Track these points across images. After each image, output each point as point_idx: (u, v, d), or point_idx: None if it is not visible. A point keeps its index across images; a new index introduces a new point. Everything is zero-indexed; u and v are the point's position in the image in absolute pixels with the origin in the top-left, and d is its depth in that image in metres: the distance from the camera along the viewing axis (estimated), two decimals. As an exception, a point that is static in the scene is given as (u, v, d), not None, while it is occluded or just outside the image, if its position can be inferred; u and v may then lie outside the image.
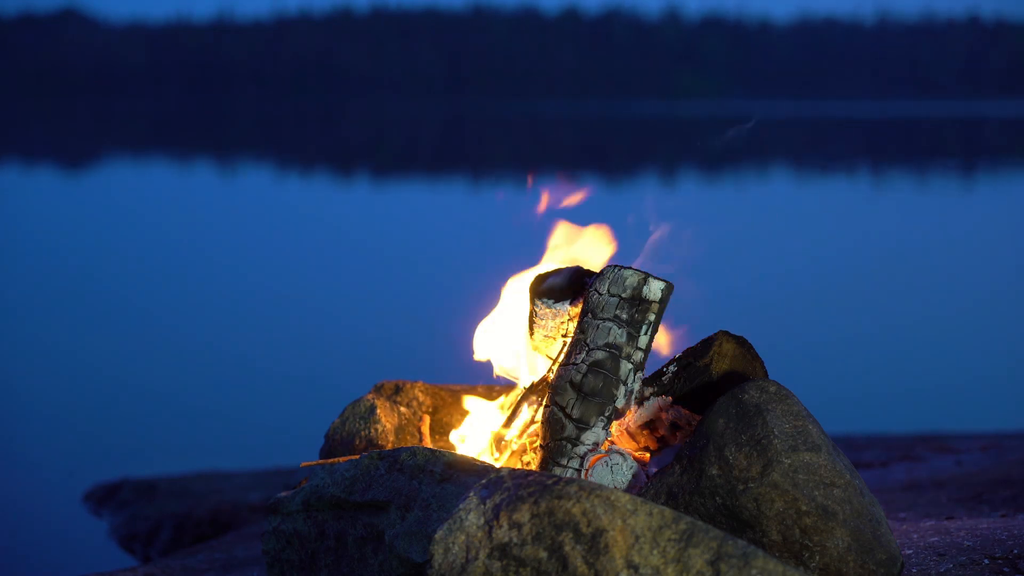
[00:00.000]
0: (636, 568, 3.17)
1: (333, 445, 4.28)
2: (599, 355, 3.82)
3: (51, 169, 36.66)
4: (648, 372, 3.97)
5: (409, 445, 4.15)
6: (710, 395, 3.90)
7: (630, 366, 3.82)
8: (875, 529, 3.64)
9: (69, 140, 54.45)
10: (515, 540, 3.25)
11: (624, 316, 3.82)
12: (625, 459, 3.83)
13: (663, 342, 4.07)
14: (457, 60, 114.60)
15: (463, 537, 3.29)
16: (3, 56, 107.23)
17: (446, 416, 4.41)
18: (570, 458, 3.81)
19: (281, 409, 9.83)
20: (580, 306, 3.96)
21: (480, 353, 4.32)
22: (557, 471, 3.81)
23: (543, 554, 3.22)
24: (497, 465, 3.99)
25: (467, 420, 4.34)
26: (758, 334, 4.13)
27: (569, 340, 3.98)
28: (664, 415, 3.93)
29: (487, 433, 4.21)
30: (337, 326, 13.31)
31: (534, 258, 4.30)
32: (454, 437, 4.28)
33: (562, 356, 3.96)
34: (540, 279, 4.08)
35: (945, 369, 11.57)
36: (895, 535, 4.23)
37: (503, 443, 4.10)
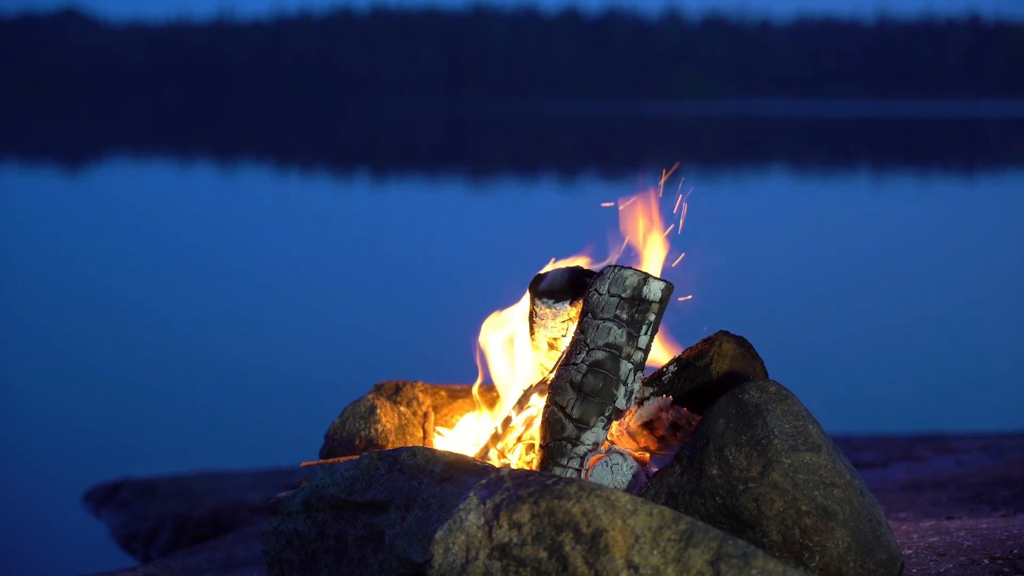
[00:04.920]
0: (636, 568, 3.17)
1: (333, 445, 4.28)
2: (599, 355, 3.82)
3: (51, 169, 36.66)
4: (648, 372, 3.97)
5: (409, 445, 4.15)
6: (710, 395, 3.90)
7: (630, 366, 3.82)
8: (875, 529, 3.64)
9: (69, 140, 54.46)
10: (515, 540, 3.25)
11: (624, 316, 3.82)
12: (625, 459, 3.83)
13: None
14: (457, 60, 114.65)
15: (463, 537, 3.29)
16: (3, 56, 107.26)
17: (446, 416, 4.41)
18: (570, 458, 3.81)
19: (281, 409, 9.83)
20: (580, 306, 3.96)
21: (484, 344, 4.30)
22: (557, 471, 3.81)
23: (543, 554, 3.23)
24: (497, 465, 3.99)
25: (463, 421, 4.34)
26: (758, 334, 4.13)
27: (569, 340, 3.98)
28: (664, 415, 3.93)
29: (485, 433, 4.21)
30: (337, 326, 13.32)
31: (533, 257, 4.29)
32: (447, 440, 4.28)
33: (562, 356, 3.95)
34: (540, 279, 4.08)
35: (945, 369, 11.57)
36: (895, 535, 4.23)
37: (500, 443, 4.09)
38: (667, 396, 3.94)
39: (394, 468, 3.74)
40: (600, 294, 3.85)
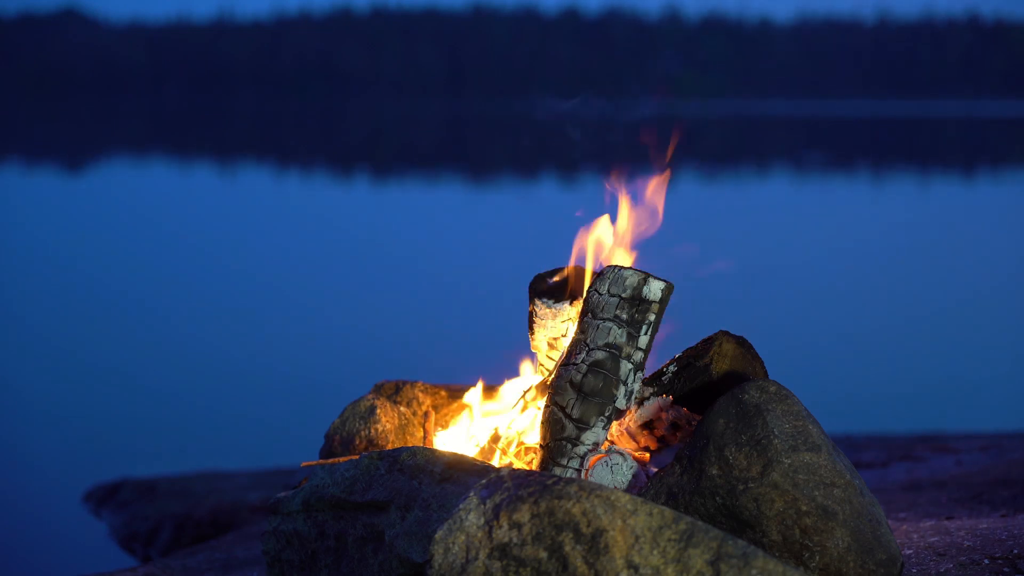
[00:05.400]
0: (636, 568, 3.17)
1: (333, 445, 4.28)
2: (599, 355, 3.81)
3: (51, 169, 36.66)
4: (648, 372, 3.97)
5: (409, 445, 4.15)
6: (710, 395, 3.90)
7: (630, 366, 3.82)
8: (875, 529, 3.63)
9: (69, 140, 54.46)
10: (515, 540, 3.25)
11: (624, 316, 3.82)
12: (625, 459, 3.83)
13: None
14: (457, 60, 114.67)
15: (463, 537, 3.29)
16: (3, 56, 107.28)
17: (446, 416, 4.40)
18: (570, 458, 3.81)
19: (281, 409, 9.83)
20: (580, 306, 3.96)
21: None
22: (557, 471, 3.81)
23: (543, 554, 3.22)
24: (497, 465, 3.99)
25: (462, 420, 4.34)
26: (758, 334, 4.13)
27: (569, 340, 3.98)
28: (664, 415, 3.93)
29: (484, 434, 4.21)
30: (337, 326, 13.31)
31: (531, 257, 4.29)
32: (448, 437, 4.28)
33: (562, 356, 3.95)
34: (540, 279, 4.08)
35: (945, 369, 11.57)
36: (895, 535, 4.23)
37: (498, 444, 4.10)
38: (667, 396, 3.94)
39: (394, 468, 3.74)
40: (600, 294, 3.85)
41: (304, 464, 4.04)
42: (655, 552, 3.18)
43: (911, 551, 4.11)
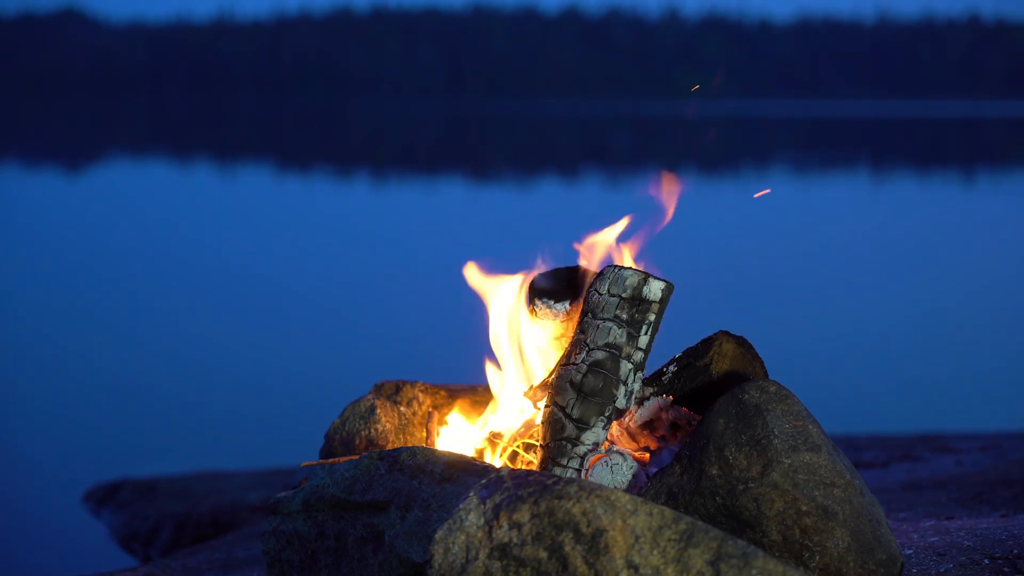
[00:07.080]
0: (636, 568, 3.17)
1: (333, 445, 4.28)
2: (599, 355, 3.81)
3: (51, 169, 36.66)
4: (648, 372, 3.97)
5: (409, 445, 4.15)
6: (710, 395, 3.90)
7: (630, 366, 3.82)
8: (875, 529, 3.64)
9: (69, 140, 54.46)
10: (515, 540, 3.25)
11: (624, 316, 3.82)
12: (625, 459, 3.83)
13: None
14: (457, 60, 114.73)
15: (463, 537, 3.29)
16: (3, 56, 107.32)
17: (446, 416, 4.40)
18: (570, 458, 3.81)
19: (281, 409, 9.83)
20: (580, 306, 3.96)
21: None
22: (557, 471, 3.81)
23: (543, 554, 3.23)
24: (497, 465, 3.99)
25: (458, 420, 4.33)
26: (758, 334, 4.13)
27: (569, 340, 3.98)
28: (664, 415, 3.93)
29: (482, 434, 4.21)
30: (337, 326, 13.32)
31: (532, 257, 4.28)
32: (448, 438, 4.28)
33: (562, 356, 3.95)
34: (540, 279, 4.08)
35: (945, 369, 11.57)
36: (895, 535, 4.23)
37: (497, 443, 4.10)
38: (667, 396, 3.94)
39: (394, 468, 3.74)
40: (600, 294, 3.85)
41: (304, 464, 4.04)
42: (655, 552, 3.18)
43: (911, 551, 4.11)
